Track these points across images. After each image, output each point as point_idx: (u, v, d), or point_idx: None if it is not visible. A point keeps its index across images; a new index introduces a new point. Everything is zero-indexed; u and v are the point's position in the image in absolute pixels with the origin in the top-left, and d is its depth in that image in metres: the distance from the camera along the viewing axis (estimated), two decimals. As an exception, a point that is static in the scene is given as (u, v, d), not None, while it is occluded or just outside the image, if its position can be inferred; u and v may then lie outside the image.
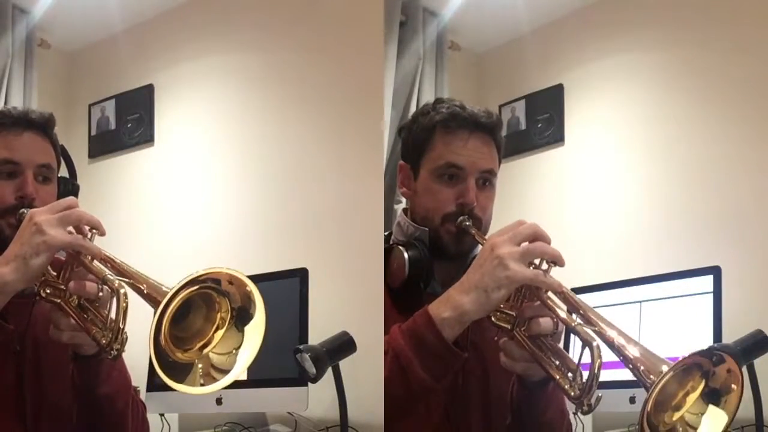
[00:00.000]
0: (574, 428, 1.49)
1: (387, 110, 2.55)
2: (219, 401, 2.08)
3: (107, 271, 1.18)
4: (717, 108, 2.42)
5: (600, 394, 1.13)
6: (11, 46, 2.76)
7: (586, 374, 1.14)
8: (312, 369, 1.75)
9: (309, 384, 1.88)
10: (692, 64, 2.49)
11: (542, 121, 2.76)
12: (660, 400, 1.07)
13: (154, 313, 1.05)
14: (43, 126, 1.42)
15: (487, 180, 1.43)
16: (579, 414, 1.66)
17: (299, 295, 2.05)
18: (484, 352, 1.37)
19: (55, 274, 1.21)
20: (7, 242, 1.29)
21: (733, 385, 1.10)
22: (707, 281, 2.04)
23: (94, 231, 1.20)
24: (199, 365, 1.11)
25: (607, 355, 1.13)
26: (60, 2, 2.81)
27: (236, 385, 1.14)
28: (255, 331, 1.13)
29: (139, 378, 1.48)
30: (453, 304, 1.21)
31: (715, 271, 2.03)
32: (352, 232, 2.24)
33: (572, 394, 1.15)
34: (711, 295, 2.02)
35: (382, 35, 2.45)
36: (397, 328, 1.25)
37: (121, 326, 1.12)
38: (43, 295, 1.20)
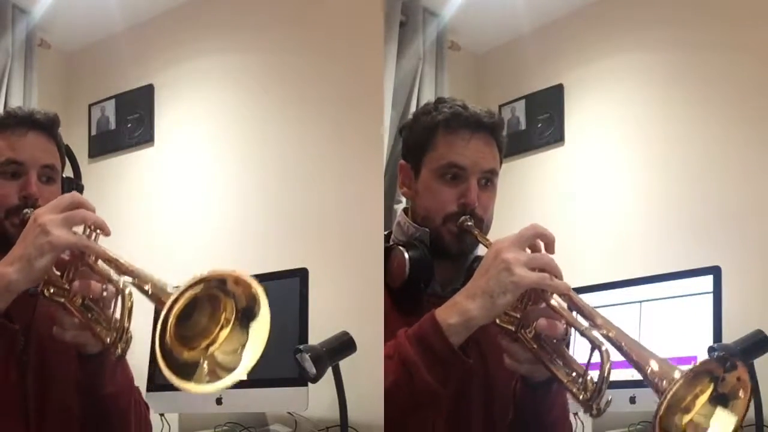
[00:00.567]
0: (574, 428, 1.49)
1: (387, 110, 2.55)
2: (219, 401, 2.08)
3: (112, 271, 1.17)
4: (717, 108, 2.42)
5: (610, 397, 1.13)
6: (11, 46, 2.76)
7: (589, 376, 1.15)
8: (312, 369, 1.75)
9: (309, 384, 1.88)
10: (692, 64, 2.49)
11: (542, 121, 2.76)
12: (671, 403, 1.07)
13: (160, 313, 1.04)
14: (47, 126, 1.42)
15: (488, 180, 1.43)
16: (578, 415, 1.67)
17: (299, 295, 2.05)
18: (486, 351, 1.37)
19: (58, 273, 1.20)
20: (11, 242, 1.29)
21: (741, 393, 1.10)
22: (707, 281, 2.04)
23: (98, 231, 1.20)
24: (205, 363, 1.11)
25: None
26: (60, 2, 2.81)
27: (236, 384, 1.14)
28: (260, 329, 1.12)
29: (139, 378, 1.47)
30: (460, 310, 1.20)
31: (715, 271, 2.03)
32: (352, 232, 2.24)
33: (581, 397, 1.14)
34: (711, 295, 2.02)
35: (382, 35, 2.46)
36: (404, 333, 1.25)
37: (126, 325, 1.12)
38: (47, 294, 1.19)
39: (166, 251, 2.68)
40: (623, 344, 1.13)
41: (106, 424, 1.32)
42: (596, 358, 1.13)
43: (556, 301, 1.19)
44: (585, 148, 2.72)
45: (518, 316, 1.22)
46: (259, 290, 1.11)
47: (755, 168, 2.31)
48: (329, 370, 1.82)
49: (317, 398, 1.97)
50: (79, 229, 1.21)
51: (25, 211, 1.33)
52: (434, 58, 2.77)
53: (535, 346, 1.21)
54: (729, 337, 1.90)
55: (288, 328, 2.00)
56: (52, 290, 1.20)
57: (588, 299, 1.22)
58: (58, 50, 3.03)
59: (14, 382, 1.33)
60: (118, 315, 1.13)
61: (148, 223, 2.78)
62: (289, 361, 1.79)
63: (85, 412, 1.31)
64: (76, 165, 1.65)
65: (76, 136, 2.92)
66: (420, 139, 1.45)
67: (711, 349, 1.80)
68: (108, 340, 1.14)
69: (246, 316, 1.12)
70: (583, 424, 2.09)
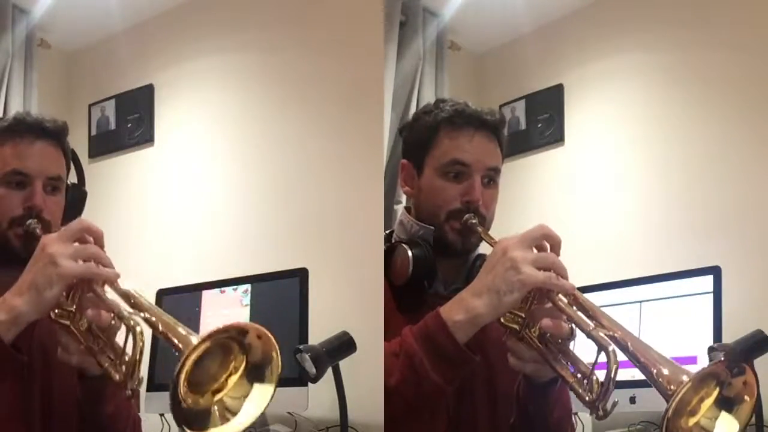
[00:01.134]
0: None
1: (387, 111, 2.55)
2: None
3: (122, 305, 1.16)
4: (717, 108, 2.42)
5: (616, 399, 1.13)
6: (11, 46, 2.76)
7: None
8: (312, 369, 1.75)
9: (309, 384, 1.88)
10: (692, 64, 2.49)
11: (542, 121, 2.76)
12: (677, 406, 1.07)
13: (177, 364, 1.04)
14: (56, 135, 1.41)
15: (491, 178, 1.43)
16: (578, 415, 1.67)
17: (299, 295, 2.05)
18: (490, 351, 1.37)
19: (64, 294, 1.19)
20: (14, 253, 1.29)
21: (746, 397, 1.10)
22: (707, 281, 2.04)
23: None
24: (215, 408, 1.10)
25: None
26: (60, 2, 2.81)
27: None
28: (263, 393, 1.11)
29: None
30: (465, 307, 1.20)
31: (715, 271, 2.03)
32: (352, 232, 2.24)
33: (587, 398, 1.14)
34: (711, 295, 2.02)
35: (382, 35, 2.45)
36: (409, 330, 1.25)
37: (137, 364, 1.10)
38: (52, 316, 1.18)
39: (166, 251, 2.68)
40: (629, 345, 1.13)
41: None
42: (602, 358, 1.13)
43: (561, 300, 1.19)
44: (585, 148, 2.72)
45: (523, 315, 1.21)
46: (278, 356, 1.10)
47: (755, 168, 2.31)
48: (329, 370, 1.82)
49: (317, 398, 1.97)
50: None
51: (29, 221, 1.33)
52: (434, 58, 2.77)
53: (540, 345, 1.20)
54: (729, 337, 1.90)
55: (288, 328, 2.00)
56: (57, 311, 1.18)
57: (588, 299, 1.22)
58: (58, 50, 3.03)
59: (20, 407, 1.32)
60: (127, 350, 1.12)
61: (148, 223, 2.78)
62: (289, 361, 1.79)
63: (84, 428, 1.32)
64: (81, 170, 1.65)
65: (76, 136, 2.88)
66: (422, 137, 1.45)
67: (711, 349, 1.80)
68: (117, 377, 1.13)
69: (254, 372, 1.11)
70: (583, 424, 2.09)
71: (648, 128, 2.57)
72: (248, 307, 2.16)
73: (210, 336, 1.05)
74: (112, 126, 2.93)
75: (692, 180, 2.44)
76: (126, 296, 1.17)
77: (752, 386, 1.10)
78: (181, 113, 2.82)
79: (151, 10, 2.85)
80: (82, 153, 2.91)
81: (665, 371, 1.08)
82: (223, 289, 2.23)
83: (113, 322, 1.17)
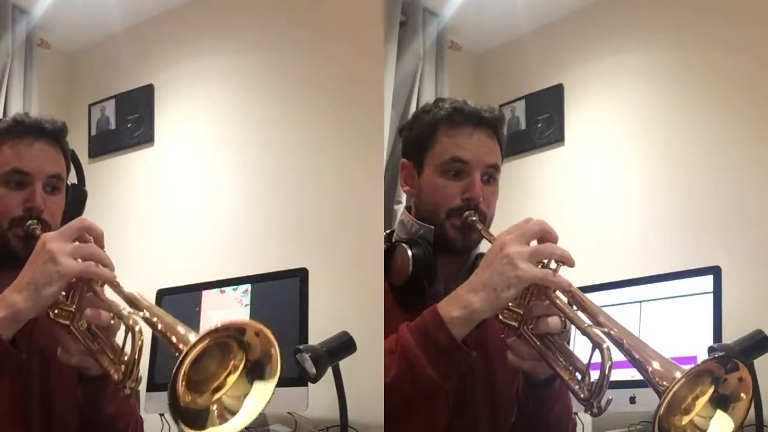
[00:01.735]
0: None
1: (387, 110, 2.55)
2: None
3: (121, 305, 1.16)
4: (717, 108, 2.42)
5: (610, 397, 1.13)
6: (11, 46, 2.76)
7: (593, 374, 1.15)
8: (312, 369, 1.75)
9: (309, 384, 1.88)
10: (692, 64, 2.49)
11: (542, 121, 2.76)
12: (671, 403, 1.07)
13: (176, 363, 1.03)
14: (55, 135, 1.42)
15: (491, 176, 1.43)
16: (578, 415, 1.67)
17: (299, 295, 2.05)
18: (490, 351, 1.37)
19: (63, 294, 1.19)
20: (14, 254, 1.29)
21: (742, 394, 1.10)
22: (707, 281, 2.04)
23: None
24: (214, 408, 1.10)
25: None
26: (60, 2, 2.81)
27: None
28: (264, 391, 1.11)
29: (139, 378, 1.47)
30: (462, 303, 1.21)
31: (715, 271, 2.03)
32: (352, 232, 2.24)
33: (581, 395, 1.14)
34: (711, 295, 2.02)
35: (382, 35, 2.45)
36: (406, 326, 1.25)
37: (136, 361, 1.11)
38: (52, 316, 1.19)
39: (166, 251, 2.68)
40: (625, 342, 1.13)
41: None
42: (597, 357, 1.13)
43: (558, 297, 1.19)
44: (585, 148, 2.72)
45: (521, 312, 1.21)
46: (277, 353, 1.10)
47: (755, 168, 2.31)
48: (329, 370, 1.82)
49: (317, 398, 1.97)
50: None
51: (29, 222, 1.33)
52: (434, 58, 2.77)
53: (537, 342, 1.21)
54: (729, 337, 1.90)
55: (288, 328, 2.00)
56: (56, 311, 1.19)
57: (585, 296, 1.22)
58: (58, 50, 3.03)
59: (19, 404, 1.32)
60: (126, 349, 1.12)
61: (148, 223, 2.78)
62: (289, 361, 1.78)
63: (85, 430, 1.31)
64: (81, 170, 1.65)
65: (76, 136, 2.89)
66: (422, 136, 1.45)
67: (711, 349, 1.80)
68: (116, 376, 1.13)
69: (254, 370, 1.11)
70: (583, 424, 2.09)
71: (648, 128, 2.57)
72: (248, 307, 2.16)
73: (208, 334, 1.04)
74: (112, 126, 2.93)
75: (692, 180, 2.44)
76: (125, 296, 1.17)
77: (747, 383, 1.10)
78: (181, 113, 2.82)
79: (151, 10, 2.85)
80: (82, 153, 2.91)
81: (659, 368, 1.08)
82: (223, 289, 2.23)
83: (112, 321, 1.17)
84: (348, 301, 2.16)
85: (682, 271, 2.12)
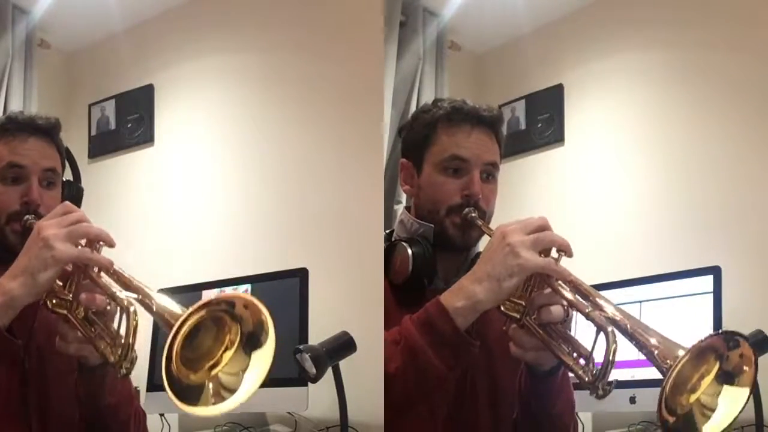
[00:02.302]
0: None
1: (387, 110, 2.55)
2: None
3: (116, 287, 1.16)
4: (717, 108, 2.42)
5: (615, 378, 1.14)
6: (11, 46, 2.76)
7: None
8: (312, 369, 1.75)
9: (309, 384, 1.88)
10: (692, 64, 2.48)
11: (542, 121, 2.76)
12: (676, 383, 1.07)
13: (166, 339, 1.03)
14: (48, 131, 1.42)
15: (490, 174, 1.44)
16: (579, 413, 1.66)
17: (299, 295, 2.05)
18: (491, 344, 1.38)
19: (61, 284, 1.20)
20: (12, 249, 1.29)
21: (745, 367, 1.11)
22: (707, 281, 2.04)
23: (101, 243, 1.19)
24: (210, 385, 1.10)
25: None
26: (60, 2, 2.81)
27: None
28: (263, 358, 1.11)
29: (139, 378, 1.48)
30: (466, 294, 1.21)
31: (715, 271, 2.04)
32: (352, 232, 2.24)
33: (586, 379, 1.15)
34: (711, 295, 2.02)
35: (382, 35, 2.45)
36: (409, 318, 1.26)
37: (131, 344, 1.11)
38: (50, 306, 1.19)
39: (166, 251, 2.68)
40: (628, 326, 1.14)
41: None
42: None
43: (561, 285, 1.19)
44: (585, 148, 2.72)
45: (523, 303, 1.22)
46: (268, 318, 1.10)
47: (755, 168, 2.30)
48: (329, 370, 1.82)
49: (317, 398, 1.97)
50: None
51: (27, 217, 1.33)
52: (434, 58, 2.77)
53: (540, 331, 1.21)
54: (729, 337, 1.90)
55: (288, 328, 2.00)
56: (54, 301, 1.19)
57: (587, 284, 1.23)
58: (58, 50, 3.03)
59: (15, 394, 1.33)
60: (123, 332, 1.12)
61: (147, 223, 2.78)
62: (289, 361, 1.79)
63: (85, 423, 1.31)
64: (76, 167, 1.65)
65: (76, 136, 2.91)
66: (421, 135, 1.46)
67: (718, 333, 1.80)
68: (112, 358, 1.13)
69: (250, 342, 1.11)
70: (583, 424, 2.09)
71: (648, 128, 2.57)
72: (248, 307, 2.16)
73: (200, 307, 1.05)
74: (112, 126, 2.93)
75: (692, 180, 2.44)
76: (123, 282, 1.17)
77: (749, 357, 1.10)
78: (181, 113, 2.82)
79: (151, 10, 2.85)
80: (82, 153, 2.91)
81: (663, 348, 1.09)
82: (223, 289, 2.23)
83: (109, 307, 1.17)
84: (348, 301, 2.16)
85: (682, 271, 2.12)
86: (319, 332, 1.92)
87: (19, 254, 1.20)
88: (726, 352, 1.10)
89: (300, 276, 2.07)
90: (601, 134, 2.70)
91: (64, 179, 1.47)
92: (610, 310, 1.16)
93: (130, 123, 2.88)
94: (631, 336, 1.13)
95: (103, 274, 1.18)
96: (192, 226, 2.68)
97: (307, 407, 1.98)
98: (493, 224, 1.44)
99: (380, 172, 2.30)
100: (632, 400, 2.00)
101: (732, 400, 1.11)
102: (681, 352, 1.07)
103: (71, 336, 1.20)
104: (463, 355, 1.24)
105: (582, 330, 1.20)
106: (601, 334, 1.12)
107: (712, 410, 1.11)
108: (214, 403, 1.09)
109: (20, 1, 2.81)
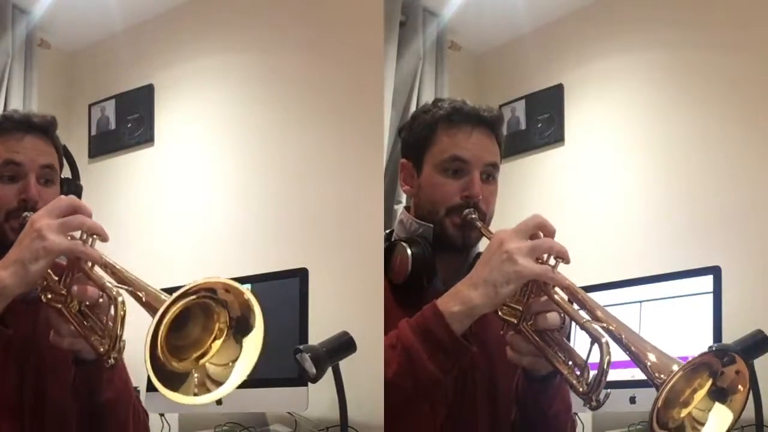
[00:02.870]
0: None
1: (387, 110, 2.55)
2: (219, 401, 2.08)
3: (106, 279, 1.17)
4: (717, 108, 2.42)
5: (608, 391, 1.14)
6: (11, 46, 2.76)
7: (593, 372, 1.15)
8: (312, 369, 1.75)
9: (309, 384, 1.88)
10: (692, 64, 2.49)
11: (542, 121, 2.76)
12: (669, 397, 1.08)
13: (151, 323, 1.04)
14: (44, 129, 1.42)
15: (490, 174, 1.44)
16: (578, 415, 1.67)
17: (299, 295, 2.05)
18: (489, 347, 1.38)
19: (56, 278, 1.20)
20: (10, 246, 1.29)
21: (740, 386, 1.11)
22: (707, 281, 2.04)
23: (95, 236, 1.19)
24: (195, 375, 1.10)
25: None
26: (60, 2, 2.81)
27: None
28: (253, 343, 1.12)
29: (139, 378, 1.47)
30: (462, 299, 1.22)
31: (715, 271, 2.04)
32: (352, 232, 2.24)
33: (580, 389, 1.15)
34: (711, 295, 2.02)
35: (382, 35, 2.45)
36: (406, 322, 1.26)
37: (119, 334, 1.11)
38: (44, 300, 1.19)
39: (166, 251, 2.68)
40: (623, 337, 1.14)
41: (104, 431, 1.32)
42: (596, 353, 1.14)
43: (557, 293, 1.20)
44: (585, 148, 2.72)
45: (520, 308, 1.22)
46: (251, 298, 1.11)
47: (755, 168, 2.31)
48: (329, 370, 1.82)
49: (317, 398, 1.97)
50: (78, 233, 1.20)
51: (25, 214, 1.33)
52: (434, 58, 2.77)
53: (536, 338, 1.21)
54: (729, 337, 1.90)
55: (288, 328, 2.00)
56: (49, 295, 1.19)
57: (584, 292, 1.23)
58: (58, 50, 3.03)
59: (12, 389, 1.33)
60: (111, 323, 1.13)
61: (147, 223, 2.78)
62: (289, 361, 1.79)
63: (82, 418, 1.31)
64: (74, 166, 1.65)
65: (76, 136, 2.92)
66: (421, 135, 1.46)
67: (711, 349, 1.80)
68: (101, 348, 1.14)
69: (241, 327, 1.12)
70: (583, 424, 2.09)
71: (648, 128, 2.57)
72: (248, 307, 2.16)
73: (180, 296, 1.06)
74: (112, 126, 2.93)
75: (692, 180, 2.44)
76: (117, 276, 1.17)
77: (745, 375, 1.11)
78: (181, 113, 2.82)
79: (151, 10, 2.85)
80: (82, 153, 2.91)
81: (657, 362, 1.09)
82: (222, 289, 2.23)
83: (101, 300, 1.17)
84: (348, 301, 2.16)
85: (682, 271, 2.12)
86: (319, 332, 1.92)
87: None
88: (721, 368, 1.10)
89: (300, 276, 2.07)
90: (601, 134, 2.70)
91: (62, 177, 1.47)
92: (606, 320, 1.16)
93: (130, 123, 2.88)
94: (625, 347, 1.13)
95: (96, 267, 1.18)
96: (192, 226, 2.68)
97: (307, 407, 1.98)
98: (494, 225, 1.44)
99: (380, 172, 2.30)
100: (632, 400, 2.00)
101: (723, 419, 1.11)
102: (675, 367, 1.07)
103: (65, 329, 1.20)
104: (458, 359, 1.25)
105: (581, 334, 1.20)
106: (596, 345, 1.13)
107: (703, 425, 1.12)
108: (196, 394, 1.09)
109: (20, 1, 2.81)
